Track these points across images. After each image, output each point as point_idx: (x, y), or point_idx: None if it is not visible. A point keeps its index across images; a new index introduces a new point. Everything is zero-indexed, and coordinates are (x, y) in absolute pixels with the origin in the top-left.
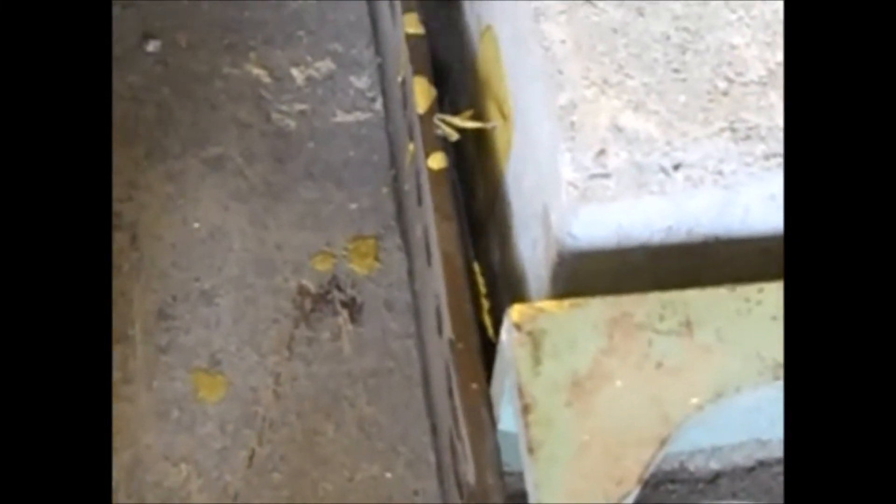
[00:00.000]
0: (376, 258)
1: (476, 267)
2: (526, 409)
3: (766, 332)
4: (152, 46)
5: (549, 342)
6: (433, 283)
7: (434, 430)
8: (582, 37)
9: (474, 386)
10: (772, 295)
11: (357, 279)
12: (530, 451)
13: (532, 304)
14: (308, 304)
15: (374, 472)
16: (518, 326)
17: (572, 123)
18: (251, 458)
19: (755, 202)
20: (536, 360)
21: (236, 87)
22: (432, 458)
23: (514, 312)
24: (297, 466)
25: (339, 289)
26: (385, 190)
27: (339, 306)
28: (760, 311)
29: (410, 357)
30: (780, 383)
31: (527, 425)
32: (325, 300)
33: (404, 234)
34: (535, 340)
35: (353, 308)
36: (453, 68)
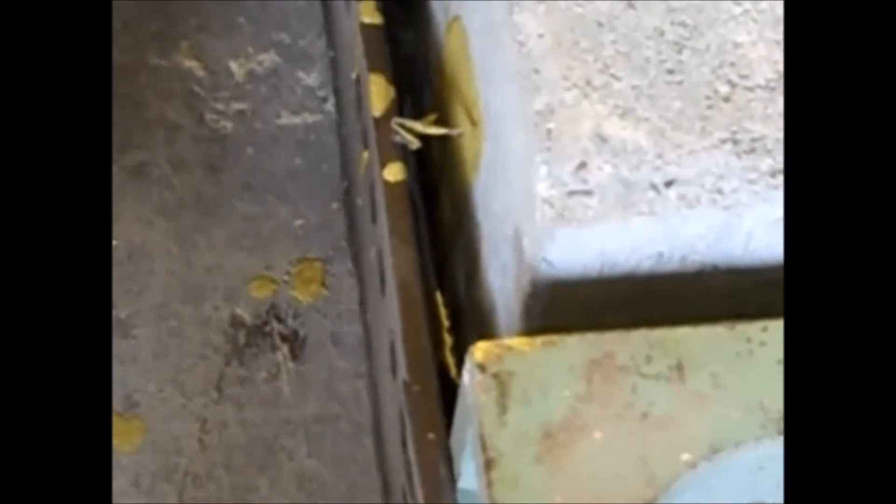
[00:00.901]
0: (323, 284)
1: (439, 298)
2: (489, 465)
3: (770, 378)
4: None
5: (518, 386)
6: (387, 316)
7: (386, 487)
8: (563, 31)
9: (431, 436)
10: (777, 334)
11: (300, 309)
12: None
13: (499, 341)
14: (242, 337)
15: None
16: (482, 367)
17: (549, 131)
18: None
19: (760, 226)
20: (503, 408)
21: (164, 83)
22: None
23: (478, 351)
24: None
25: (279, 320)
26: (335, 205)
27: (278, 340)
28: (764, 353)
29: (360, 401)
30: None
31: (489, 483)
32: (262, 333)
33: (356, 257)
34: (501, 384)
35: (295, 343)
36: (417, 65)
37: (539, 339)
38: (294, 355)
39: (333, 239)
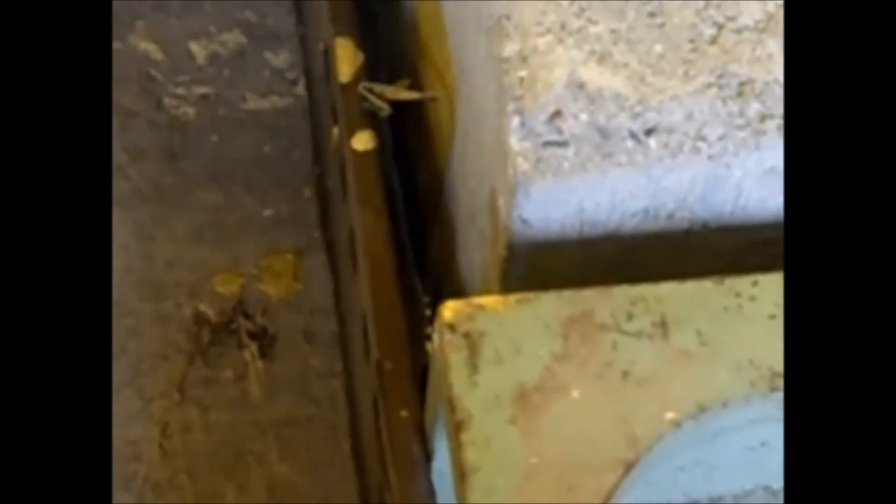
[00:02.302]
0: (295, 278)
1: (417, 276)
2: (459, 427)
3: (760, 335)
4: None
5: (490, 346)
6: (360, 297)
7: (364, 491)
8: None
9: (404, 414)
10: (769, 288)
11: (270, 304)
12: (463, 477)
13: (470, 300)
14: (206, 335)
15: None
16: (451, 327)
17: (521, 80)
18: None
19: (750, 178)
20: (473, 368)
21: (119, 66)
22: None
23: (447, 310)
24: None
25: (247, 316)
26: (307, 193)
27: (245, 338)
28: (754, 308)
29: (336, 401)
30: (780, 397)
31: (460, 446)
32: (229, 330)
33: (330, 247)
34: (472, 344)
35: (264, 340)
36: (392, 34)
37: (513, 297)
38: (263, 353)
39: (306, 229)
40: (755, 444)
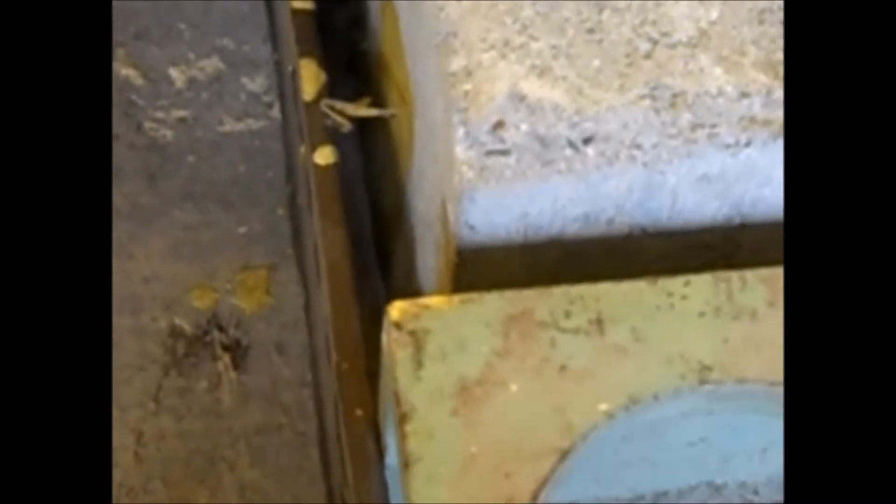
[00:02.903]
0: (268, 292)
1: (381, 282)
2: (403, 419)
3: (690, 331)
4: None
5: (435, 343)
6: (322, 305)
7: (329, 493)
8: None
9: (359, 412)
10: (700, 288)
11: (243, 318)
12: (406, 465)
13: (416, 300)
14: (181, 347)
15: None
16: (398, 325)
17: (466, 93)
18: None
19: (685, 184)
20: (418, 364)
21: None
22: None
23: (394, 310)
24: None
25: (221, 329)
26: (280, 211)
27: (219, 350)
28: (685, 306)
29: (305, 410)
30: (709, 389)
31: (404, 436)
32: (203, 343)
33: (301, 262)
34: (417, 341)
35: (237, 352)
36: (358, 55)
37: (457, 298)
38: (236, 365)
39: (279, 246)
40: (695, 439)
